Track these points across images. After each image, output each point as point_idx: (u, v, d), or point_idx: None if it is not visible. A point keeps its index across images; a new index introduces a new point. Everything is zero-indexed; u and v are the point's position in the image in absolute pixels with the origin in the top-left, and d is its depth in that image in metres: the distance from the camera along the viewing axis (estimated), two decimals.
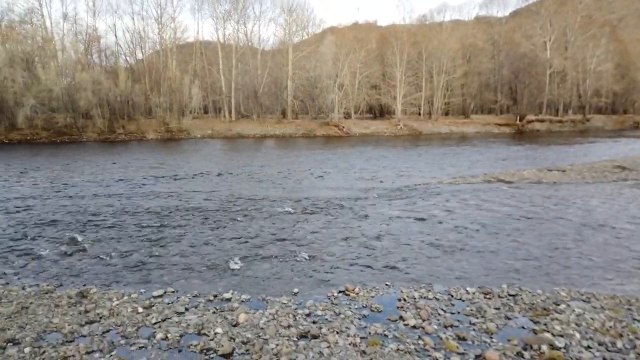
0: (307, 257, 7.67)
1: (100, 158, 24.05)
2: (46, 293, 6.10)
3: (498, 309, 5.58)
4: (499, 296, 5.96)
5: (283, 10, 51.34)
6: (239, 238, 8.90)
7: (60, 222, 10.21)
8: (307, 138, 41.97)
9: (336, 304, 5.78)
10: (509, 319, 5.35)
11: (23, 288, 6.31)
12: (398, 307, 5.66)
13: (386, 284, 6.43)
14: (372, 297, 5.99)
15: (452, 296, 5.99)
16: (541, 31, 57.93)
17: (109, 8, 65.01)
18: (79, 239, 8.89)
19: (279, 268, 7.18)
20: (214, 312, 5.45)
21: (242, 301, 5.85)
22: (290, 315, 5.37)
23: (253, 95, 48.22)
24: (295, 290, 6.23)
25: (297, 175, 17.71)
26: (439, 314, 5.47)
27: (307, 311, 5.51)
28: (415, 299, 5.91)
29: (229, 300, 5.89)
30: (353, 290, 6.16)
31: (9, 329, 5.01)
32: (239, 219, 10.47)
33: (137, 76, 43.85)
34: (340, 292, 6.17)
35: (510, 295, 6.00)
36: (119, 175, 17.49)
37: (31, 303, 5.72)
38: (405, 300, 5.86)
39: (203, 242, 8.60)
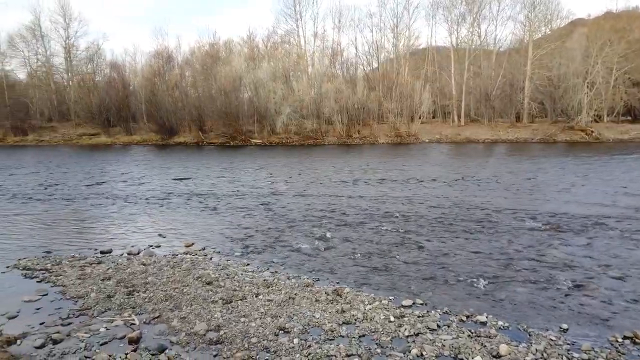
0: (571, 286, 6.52)
1: (338, 159, 26.21)
2: (307, 286, 6.68)
3: None
4: None
5: (524, 6, 47.14)
6: (483, 252, 8.23)
7: (311, 218, 11.31)
8: (545, 144, 37.41)
9: (623, 353, 4.66)
10: None
11: (288, 278, 7.07)
12: None
13: None
14: None
15: None
16: None
17: (351, 23, 71.40)
18: (329, 236, 9.63)
19: (537, 294, 6.27)
20: (469, 336, 5.02)
21: (500, 328, 5.25)
22: (564, 358, 4.54)
23: (484, 99, 45.66)
24: (564, 325, 5.29)
25: (537, 185, 15.75)
26: None
27: (585, 356, 4.57)
28: None
29: (484, 324, 5.36)
30: None
31: (279, 317, 5.59)
32: (479, 230, 9.77)
33: (372, 84, 46.47)
34: (626, 337, 4.98)
35: None
36: (353, 176, 18.63)
37: (296, 294, 6.31)
38: None
39: (445, 253, 8.24)
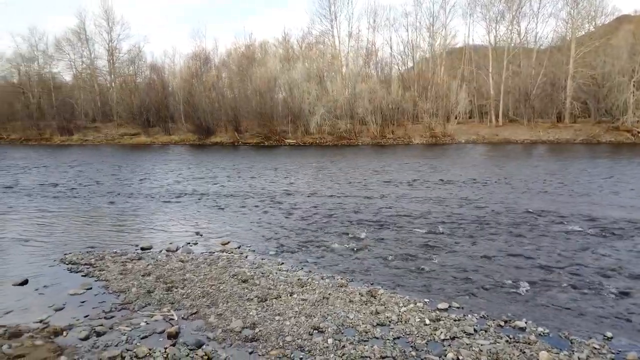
0: (617, 292, 6.26)
1: (372, 160, 26.08)
2: (341, 286, 6.69)
3: None
4: None
5: (567, 3, 45.48)
6: (522, 256, 8.01)
7: (344, 218, 11.30)
8: (588, 145, 35.97)
9: None
10: None
11: (322, 278, 7.10)
12: None
13: None
14: None
15: None
16: None
17: (386, 23, 70.71)
18: (362, 236, 9.61)
19: (579, 301, 6.05)
20: (507, 341, 4.90)
21: (540, 334, 5.09)
22: None
23: (524, 98, 44.33)
24: (609, 333, 5.09)
25: (581, 187, 15.15)
26: None
27: None
28: None
29: (522, 329, 5.22)
30: None
31: (314, 317, 5.62)
32: (518, 234, 9.51)
33: (407, 84, 45.96)
34: None
35: None
36: (386, 177, 18.48)
37: (330, 294, 6.33)
38: None
39: (481, 256, 8.07)
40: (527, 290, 6.44)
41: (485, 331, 5.18)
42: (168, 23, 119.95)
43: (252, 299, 6.20)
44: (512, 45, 47.51)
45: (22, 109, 50.58)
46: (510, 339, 4.97)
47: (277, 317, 5.60)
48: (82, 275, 7.39)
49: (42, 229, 10.83)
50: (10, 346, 4.95)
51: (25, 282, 7.11)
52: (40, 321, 5.67)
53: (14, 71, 56.77)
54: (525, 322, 5.37)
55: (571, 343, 4.90)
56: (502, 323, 5.39)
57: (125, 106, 49.04)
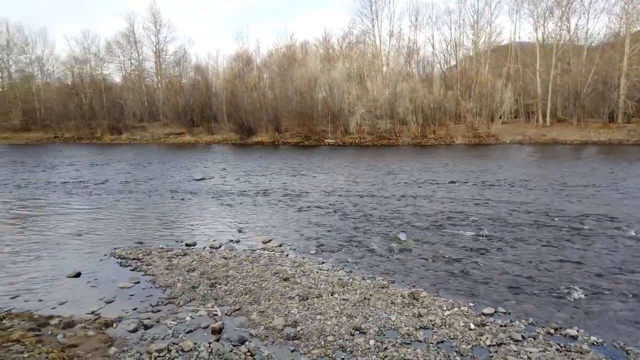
0: None
1: (413, 160, 25.70)
2: (382, 287, 6.62)
3: None
4: None
5: None
6: (572, 262, 7.67)
7: (384, 219, 11.19)
8: None
9: None
10: None
11: (363, 278, 7.06)
12: None
13: None
14: None
15: None
16: None
17: (429, 21, 69.34)
18: (402, 237, 9.48)
19: (636, 310, 5.74)
20: (558, 350, 4.70)
21: (593, 344, 4.86)
22: None
23: (573, 97, 42.48)
24: None
25: (634, 191, 14.34)
26: None
27: None
28: None
29: (574, 338, 5.00)
30: None
31: (355, 317, 5.60)
32: (569, 238, 9.11)
33: (450, 83, 45.04)
34: None
35: None
36: (427, 177, 18.14)
37: (371, 295, 6.28)
38: None
39: (529, 260, 7.79)
40: (578, 297, 6.16)
41: (534, 338, 4.99)
42: (212, 24, 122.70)
43: (293, 297, 6.24)
44: (561, 42, 45.63)
45: (76, 109, 53.16)
46: (561, 347, 4.78)
47: (318, 316, 5.61)
48: (131, 270, 7.68)
49: (93, 224, 11.34)
50: (64, 335, 5.20)
51: (78, 275, 7.46)
52: (92, 312, 5.93)
53: (68, 73, 59.86)
54: (577, 331, 5.15)
55: (627, 354, 4.65)
56: (552, 330, 5.19)
57: (170, 106, 50.57)
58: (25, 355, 4.64)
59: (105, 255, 8.56)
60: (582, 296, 6.22)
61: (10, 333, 5.16)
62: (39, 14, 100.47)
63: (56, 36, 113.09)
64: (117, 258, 8.33)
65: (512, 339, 4.96)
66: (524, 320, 5.46)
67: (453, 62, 50.25)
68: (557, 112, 45.79)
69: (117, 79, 62.37)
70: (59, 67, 61.05)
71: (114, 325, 5.54)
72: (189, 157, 30.84)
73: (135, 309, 6.04)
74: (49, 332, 5.28)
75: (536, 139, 39.48)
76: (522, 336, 5.02)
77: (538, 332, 5.13)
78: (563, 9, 44.75)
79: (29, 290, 6.78)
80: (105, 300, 6.35)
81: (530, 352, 4.64)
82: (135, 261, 8.08)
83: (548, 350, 4.69)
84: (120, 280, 7.14)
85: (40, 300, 6.39)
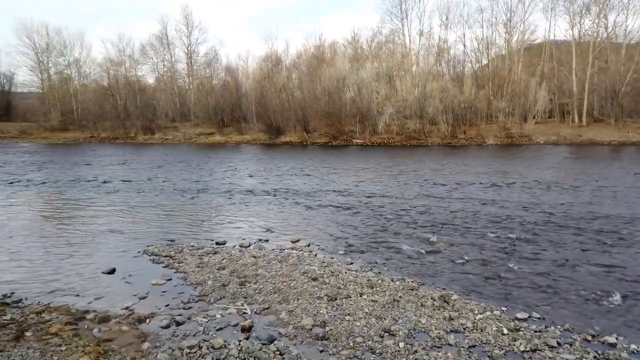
0: None
1: (443, 161, 25.33)
2: (412, 290, 6.55)
3: None
4: None
5: None
6: (611, 266, 7.40)
7: (413, 220, 11.06)
8: None
9: None
10: None
11: (392, 280, 6.99)
12: None
13: None
14: None
15: None
16: None
17: (460, 19, 68.18)
18: (433, 239, 9.35)
19: None
20: (595, 357, 4.54)
21: (633, 352, 4.67)
22: None
23: (611, 96, 40.94)
24: None
25: None
26: None
27: None
28: None
29: (613, 345, 4.82)
30: None
31: (384, 319, 5.55)
32: (605, 241, 8.79)
33: (481, 82, 44.18)
34: None
35: None
36: (458, 178, 17.83)
37: (400, 297, 6.22)
38: None
39: (565, 264, 7.55)
40: (617, 303, 5.94)
41: (570, 345, 4.83)
42: (242, 26, 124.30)
43: (322, 297, 6.24)
44: (599, 40, 44.09)
45: (111, 109, 54.74)
46: (599, 355, 4.61)
47: (347, 317, 5.59)
48: (163, 267, 7.85)
49: (127, 222, 11.64)
50: (100, 330, 5.36)
51: (113, 271, 7.67)
52: (126, 308, 6.09)
53: (104, 75, 61.70)
54: (616, 338, 4.95)
55: None
56: (589, 337, 5.01)
57: (201, 107, 51.47)
58: (63, 348, 4.81)
59: (139, 252, 8.78)
60: (621, 302, 5.99)
61: (49, 326, 5.36)
62: (77, 17, 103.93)
63: (92, 39, 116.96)
64: (150, 255, 8.53)
65: (547, 345, 4.82)
66: (559, 326, 5.30)
67: (485, 61, 49.23)
68: (594, 111, 44.27)
69: (150, 80, 63.95)
70: (95, 69, 63.03)
71: (147, 321, 5.67)
72: (218, 157, 31.30)
73: (168, 305, 6.17)
74: (85, 326, 5.45)
75: (572, 140, 38.30)
76: (558, 342, 4.87)
77: (575, 339, 4.97)
78: (600, 6, 43.26)
79: (66, 285, 7.02)
80: (139, 297, 6.50)
81: (566, 359, 4.49)
82: (167, 258, 8.26)
83: (585, 358, 4.54)
84: (152, 277, 7.30)
85: (77, 295, 6.60)
